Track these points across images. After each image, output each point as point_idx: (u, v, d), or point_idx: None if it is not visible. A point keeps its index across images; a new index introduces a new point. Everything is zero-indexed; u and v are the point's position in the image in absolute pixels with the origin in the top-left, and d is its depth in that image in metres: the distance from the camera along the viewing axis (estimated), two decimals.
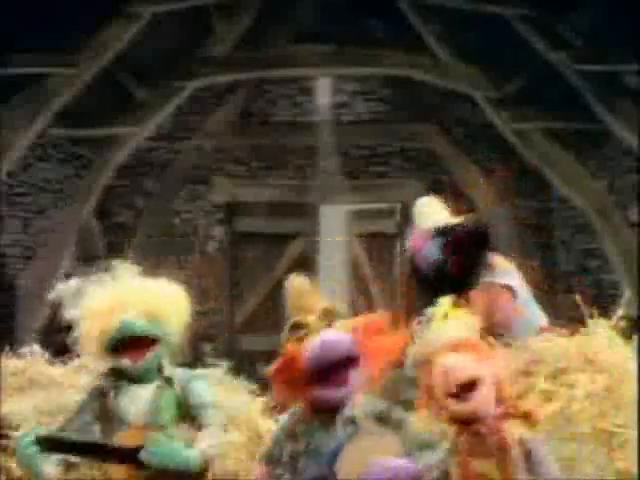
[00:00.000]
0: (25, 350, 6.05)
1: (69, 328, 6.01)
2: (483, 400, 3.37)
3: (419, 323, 4.30)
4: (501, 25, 9.91)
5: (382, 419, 3.69)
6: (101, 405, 4.06)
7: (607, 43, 9.27)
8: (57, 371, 5.51)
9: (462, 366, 3.38)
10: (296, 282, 3.90)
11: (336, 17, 11.29)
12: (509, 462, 3.32)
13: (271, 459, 3.76)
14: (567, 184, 10.54)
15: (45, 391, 5.17)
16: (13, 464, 4.51)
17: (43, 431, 3.93)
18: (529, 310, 5.11)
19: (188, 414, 4.02)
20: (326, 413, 3.67)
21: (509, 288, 5.03)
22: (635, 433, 3.85)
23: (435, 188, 12.10)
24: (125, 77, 10.99)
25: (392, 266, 12.26)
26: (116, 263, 5.85)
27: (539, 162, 10.65)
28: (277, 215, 12.39)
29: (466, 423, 3.37)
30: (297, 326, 3.73)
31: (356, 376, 3.66)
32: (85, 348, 4.19)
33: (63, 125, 10.74)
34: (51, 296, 5.92)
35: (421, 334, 3.51)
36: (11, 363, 5.38)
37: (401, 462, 3.44)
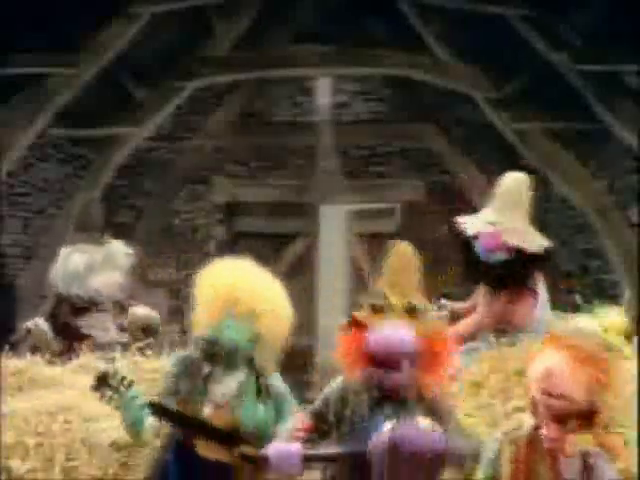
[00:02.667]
0: (29, 323, 6.06)
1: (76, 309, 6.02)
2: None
3: (440, 307, 4.51)
4: (501, 25, 9.90)
5: (431, 409, 3.81)
6: (190, 380, 4.16)
7: (607, 43, 9.27)
8: (57, 371, 5.52)
9: (569, 382, 3.24)
10: (404, 249, 4.10)
11: (336, 17, 11.29)
12: (557, 469, 3.29)
13: (317, 415, 3.91)
14: (567, 184, 10.55)
15: (45, 391, 5.18)
16: (13, 464, 4.51)
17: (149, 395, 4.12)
18: (544, 311, 5.20)
19: (266, 402, 4.16)
20: (378, 392, 3.82)
21: (535, 293, 5.13)
22: (635, 433, 3.85)
23: (435, 188, 12.15)
24: (125, 77, 10.99)
25: None
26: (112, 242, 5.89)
27: (539, 162, 10.65)
28: (277, 215, 12.38)
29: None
30: (378, 308, 3.87)
31: (412, 369, 3.78)
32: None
33: (63, 125, 10.75)
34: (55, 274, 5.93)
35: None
36: (11, 363, 5.38)
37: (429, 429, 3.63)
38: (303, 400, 4.32)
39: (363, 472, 3.69)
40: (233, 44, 11.34)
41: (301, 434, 3.90)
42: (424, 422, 3.68)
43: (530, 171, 10.88)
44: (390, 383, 3.79)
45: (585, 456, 3.30)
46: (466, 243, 5.15)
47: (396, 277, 3.97)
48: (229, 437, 4.03)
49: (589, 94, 9.80)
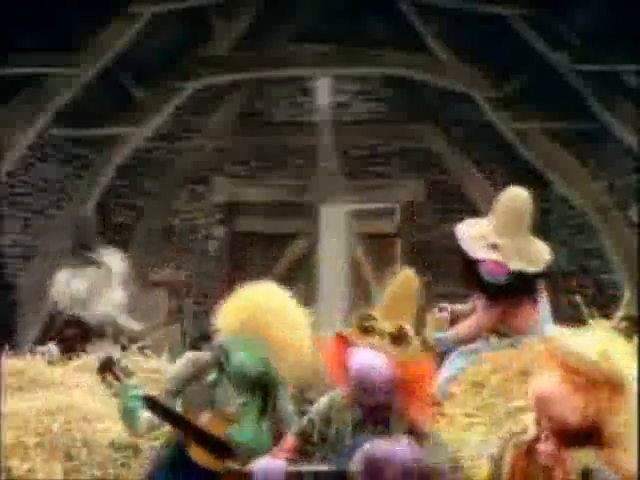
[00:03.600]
0: (42, 348, 6.08)
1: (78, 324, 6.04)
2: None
3: (441, 309, 4.54)
4: (501, 25, 9.90)
5: (411, 429, 3.90)
6: (197, 383, 4.22)
7: (607, 43, 9.26)
8: (57, 371, 5.53)
9: (563, 408, 3.21)
10: (407, 277, 4.09)
11: (336, 17, 11.29)
12: None
13: (303, 435, 4.00)
14: (567, 184, 10.54)
15: (45, 391, 5.18)
16: (13, 464, 4.51)
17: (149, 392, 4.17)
18: (543, 314, 5.21)
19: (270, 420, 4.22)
20: (360, 411, 3.92)
21: (535, 299, 5.14)
22: (635, 433, 3.85)
23: (435, 188, 12.15)
24: (125, 77, 10.99)
25: (392, 266, 12.25)
26: (105, 251, 5.89)
27: (539, 162, 10.65)
28: (277, 215, 12.39)
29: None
30: (366, 328, 3.93)
31: (388, 394, 3.88)
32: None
33: (63, 125, 10.74)
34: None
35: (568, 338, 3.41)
36: (11, 363, 5.39)
37: (402, 446, 3.76)
38: (303, 400, 4.33)
39: None
40: (233, 44, 11.33)
41: (284, 454, 3.98)
42: (401, 440, 3.80)
43: (530, 171, 10.98)
44: (368, 403, 3.90)
45: (585, 472, 3.27)
46: (468, 260, 5.16)
47: (394, 303, 4.03)
48: (221, 447, 4.06)
49: (589, 94, 9.79)
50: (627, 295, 4.97)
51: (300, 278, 12.07)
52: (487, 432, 4.43)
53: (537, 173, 10.88)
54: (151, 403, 4.07)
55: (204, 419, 4.10)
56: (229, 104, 12.40)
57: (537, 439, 3.33)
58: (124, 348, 6.82)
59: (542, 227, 12.41)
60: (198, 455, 4.06)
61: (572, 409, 3.21)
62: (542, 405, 3.25)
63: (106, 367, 4.17)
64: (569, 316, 4.74)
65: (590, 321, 4.54)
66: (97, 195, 11.32)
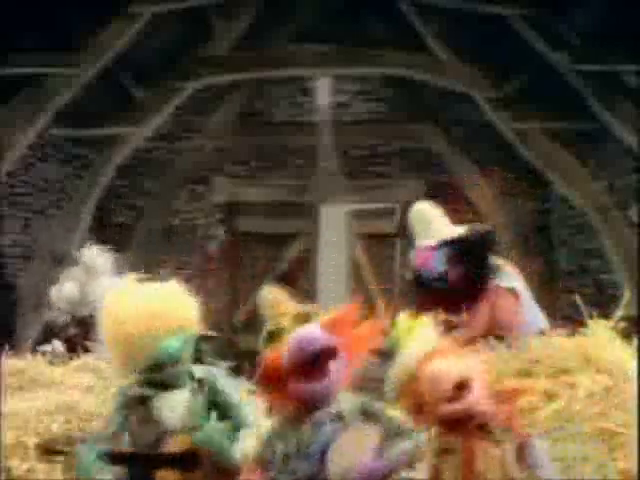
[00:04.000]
0: (46, 347, 6.08)
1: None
2: (477, 398, 3.37)
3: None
4: (500, 25, 9.90)
5: (363, 412, 3.75)
6: (138, 413, 4.08)
7: (607, 43, 9.26)
8: (57, 371, 5.52)
9: (452, 368, 3.37)
10: (269, 292, 3.96)
11: (336, 17, 11.29)
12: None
13: (263, 462, 3.79)
14: (567, 184, 10.54)
15: (45, 391, 5.17)
16: (13, 464, 4.51)
17: (101, 445, 4.03)
18: (530, 312, 5.14)
19: (223, 413, 4.08)
20: (313, 411, 3.73)
21: (513, 291, 5.07)
22: (635, 433, 3.85)
23: (435, 188, 12.14)
24: (125, 77, 10.99)
25: (392, 266, 12.26)
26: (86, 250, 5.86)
27: (539, 162, 10.65)
28: (277, 215, 12.39)
29: (460, 425, 3.37)
30: (272, 334, 3.79)
31: (337, 368, 3.72)
32: (112, 359, 4.21)
33: (63, 125, 10.75)
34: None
35: (390, 362, 3.52)
36: (11, 363, 5.38)
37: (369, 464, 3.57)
38: None
39: None
40: (233, 44, 11.34)
41: None
42: (362, 439, 3.66)
43: (530, 171, 10.98)
44: (315, 392, 3.73)
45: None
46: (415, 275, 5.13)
47: (274, 311, 3.89)
48: (186, 460, 3.97)
49: (589, 94, 9.79)
50: (627, 295, 4.95)
51: (300, 278, 12.09)
52: None
53: (537, 173, 10.89)
54: (106, 455, 3.96)
55: (158, 442, 4.00)
56: (229, 104, 12.40)
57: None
58: None
59: (542, 227, 12.48)
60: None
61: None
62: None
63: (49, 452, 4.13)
64: (569, 316, 4.74)
65: (590, 321, 4.53)
66: (97, 195, 11.32)
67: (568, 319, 4.70)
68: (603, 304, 4.95)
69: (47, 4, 8.94)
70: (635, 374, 4.12)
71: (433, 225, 5.10)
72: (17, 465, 4.51)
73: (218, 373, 4.19)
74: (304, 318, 3.81)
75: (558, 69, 9.84)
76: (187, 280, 4.40)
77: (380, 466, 3.58)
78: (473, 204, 11.46)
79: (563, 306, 9.80)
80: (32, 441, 4.61)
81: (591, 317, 4.55)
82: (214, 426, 3.99)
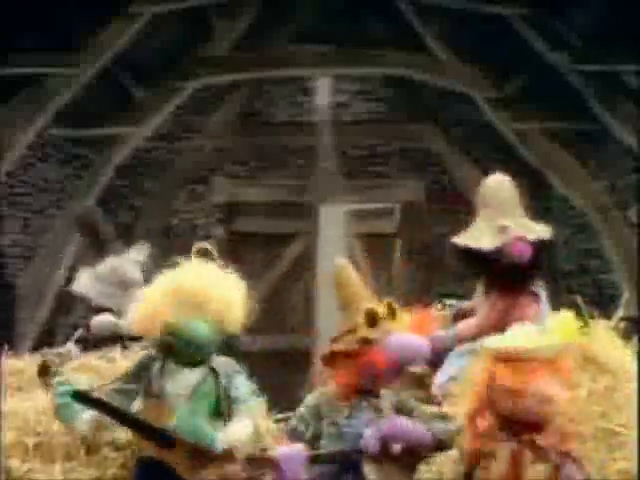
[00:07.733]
0: (62, 349, 6.08)
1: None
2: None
3: (443, 307, 4.59)
4: (500, 25, 9.91)
5: (399, 409, 4.04)
6: (146, 376, 4.17)
7: (607, 43, 9.26)
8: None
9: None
10: (344, 268, 4.21)
11: (336, 17, 11.29)
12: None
13: (295, 434, 4.05)
14: (567, 184, 10.54)
15: (45, 391, 5.17)
16: (13, 464, 4.51)
17: (83, 387, 4.13)
18: (545, 315, 5.18)
19: (225, 407, 4.13)
20: (356, 399, 4.03)
21: (537, 295, 5.12)
22: (635, 433, 3.85)
23: (435, 188, 12.14)
24: (125, 77, 10.99)
25: (391, 266, 12.25)
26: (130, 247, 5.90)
27: (539, 162, 10.65)
28: (277, 215, 12.38)
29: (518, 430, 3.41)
30: (370, 314, 4.02)
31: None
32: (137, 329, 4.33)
33: (63, 125, 10.75)
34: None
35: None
36: (11, 363, 5.38)
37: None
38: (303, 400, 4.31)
39: (353, 472, 3.92)
40: (233, 44, 11.33)
41: None
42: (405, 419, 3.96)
43: (530, 171, 10.98)
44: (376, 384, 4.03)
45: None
46: (481, 261, 5.10)
47: (349, 290, 4.16)
48: (163, 436, 3.99)
49: (589, 94, 9.80)
50: (627, 295, 4.96)
51: (300, 278, 12.08)
52: None
53: (537, 173, 10.88)
54: (80, 396, 4.03)
55: (146, 408, 4.06)
56: (229, 104, 12.40)
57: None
58: (125, 347, 6.79)
59: None
60: (148, 448, 4.04)
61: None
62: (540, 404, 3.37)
63: (43, 372, 4.16)
64: None
65: (590, 321, 4.53)
66: (97, 195, 11.32)
67: None
68: (603, 304, 4.96)
69: (47, 4, 8.95)
70: (635, 374, 4.12)
71: (515, 206, 5.15)
72: (17, 465, 4.51)
73: (235, 367, 4.26)
74: (395, 312, 4.08)
75: (558, 69, 9.85)
76: None
77: (428, 436, 3.91)
78: (473, 204, 11.45)
79: (563, 306, 9.79)
80: (32, 441, 4.61)
81: (591, 317, 4.56)
82: (184, 412, 4.02)
